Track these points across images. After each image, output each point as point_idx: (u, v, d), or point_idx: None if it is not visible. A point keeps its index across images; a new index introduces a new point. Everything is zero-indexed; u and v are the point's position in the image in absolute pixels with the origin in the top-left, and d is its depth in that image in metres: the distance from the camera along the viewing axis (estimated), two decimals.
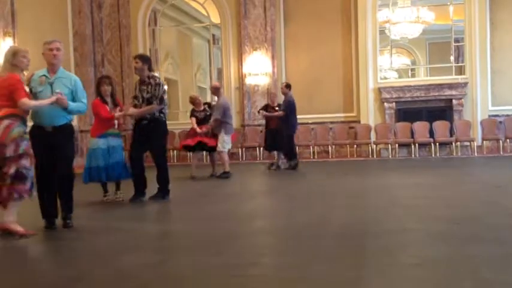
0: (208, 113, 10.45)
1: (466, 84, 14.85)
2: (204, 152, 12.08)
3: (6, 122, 5.01)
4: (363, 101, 15.29)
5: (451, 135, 14.59)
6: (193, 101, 10.72)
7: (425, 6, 15.52)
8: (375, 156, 14.75)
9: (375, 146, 14.83)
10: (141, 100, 7.27)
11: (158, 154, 7.42)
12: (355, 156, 14.80)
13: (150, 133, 7.24)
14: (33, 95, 5.30)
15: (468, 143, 14.56)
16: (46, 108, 5.22)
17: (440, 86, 15.04)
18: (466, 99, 14.92)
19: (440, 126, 14.66)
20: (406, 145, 14.75)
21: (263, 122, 12.66)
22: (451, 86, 14.98)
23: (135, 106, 7.35)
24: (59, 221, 5.46)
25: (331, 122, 15.39)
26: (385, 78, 16.12)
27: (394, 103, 15.29)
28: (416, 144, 14.51)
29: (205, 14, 16.70)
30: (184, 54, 19.30)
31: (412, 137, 14.65)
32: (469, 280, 3.33)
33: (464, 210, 5.93)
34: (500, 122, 14.55)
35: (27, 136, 5.21)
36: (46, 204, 5.39)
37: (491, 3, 14.82)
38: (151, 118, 7.23)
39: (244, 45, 15.53)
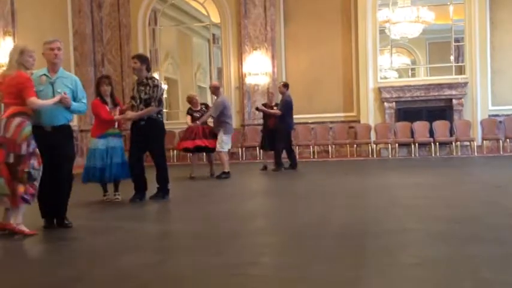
0: (203, 113, 10.38)
1: (466, 84, 14.85)
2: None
3: (17, 120, 5.03)
4: (363, 100, 15.29)
5: (451, 135, 14.59)
6: (190, 100, 10.70)
7: (425, 6, 15.52)
8: (374, 156, 14.75)
9: (374, 145, 14.83)
10: (138, 101, 7.25)
11: (157, 154, 7.42)
12: (355, 156, 14.80)
13: (148, 134, 7.23)
14: None
15: (468, 143, 14.56)
16: (46, 108, 5.23)
17: (440, 86, 15.04)
18: (466, 99, 14.93)
19: (440, 126, 14.66)
20: (406, 145, 14.75)
21: (262, 121, 12.60)
22: (451, 86, 14.98)
23: (132, 106, 7.34)
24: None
25: (331, 122, 15.39)
26: (385, 78, 16.12)
27: (394, 103, 15.30)
28: (416, 144, 14.51)
29: (205, 13, 16.70)
30: (184, 53, 19.30)
31: (412, 136, 14.65)
32: (469, 280, 3.33)
33: (464, 210, 5.93)
34: (500, 122, 14.55)
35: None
36: (45, 204, 5.39)
37: (491, 2, 14.83)
38: (148, 119, 7.22)
39: (244, 45, 15.53)
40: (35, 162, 5.09)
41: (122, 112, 7.42)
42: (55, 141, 5.29)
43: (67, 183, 5.44)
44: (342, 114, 15.54)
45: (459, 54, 15.48)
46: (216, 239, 4.81)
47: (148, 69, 7.41)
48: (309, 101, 15.16)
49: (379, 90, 15.22)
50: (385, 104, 15.27)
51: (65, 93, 5.27)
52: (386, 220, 5.53)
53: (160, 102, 7.28)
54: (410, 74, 17.16)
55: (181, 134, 12.29)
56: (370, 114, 15.25)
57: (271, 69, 15.36)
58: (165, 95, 17.51)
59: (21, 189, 5.02)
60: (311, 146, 15.17)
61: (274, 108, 11.55)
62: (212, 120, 10.45)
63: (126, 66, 15.70)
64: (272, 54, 15.45)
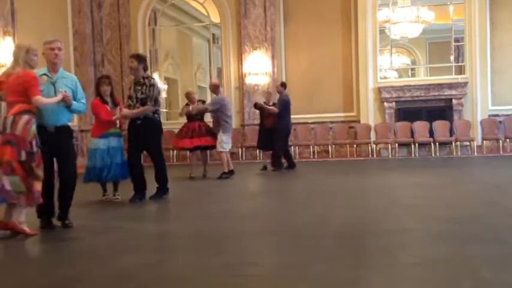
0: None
1: (466, 84, 14.85)
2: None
3: (25, 117, 5.04)
4: (363, 100, 15.29)
5: (451, 135, 14.60)
6: (188, 96, 10.61)
7: (425, 5, 15.53)
8: (374, 156, 14.76)
9: (374, 145, 14.84)
10: (135, 100, 7.25)
11: (155, 153, 7.43)
12: (355, 156, 14.80)
13: (144, 133, 7.22)
14: None
15: (468, 143, 14.56)
16: (49, 108, 5.24)
17: (440, 86, 15.05)
18: (466, 99, 14.93)
19: (440, 126, 14.67)
20: (406, 145, 14.75)
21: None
22: (451, 86, 14.98)
23: (129, 106, 7.33)
24: (55, 220, 5.46)
25: (331, 122, 15.40)
26: (385, 77, 16.13)
27: (394, 103, 15.30)
28: (416, 144, 14.51)
29: (205, 13, 16.71)
30: (184, 53, 19.30)
31: (412, 136, 14.65)
32: (469, 280, 3.33)
33: (464, 210, 5.93)
34: (500, 122, 14.55)
35: None
36: (44, 204, 5.39)
37: (491, 2, 14.83)
38: (145, 118, 7.21)
39: (244, 45, 15.53)
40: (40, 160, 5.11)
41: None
42: (58, 142, 5.31)
43: (72, 183, 5.47)
44: (342, 114, 15.54)
45: (459, 54, 15.48)
46: (216, 239, 4.81)
47: (146, 69, 7.40)
48: (308, 101, 15.16)
49: (379, 90, 15.22)
50: (385, 104, 15.28)
51: (66, 92, 5.30)
52: (386, 220, 5.53)
53: (156, 101, 7.27)
54: (410, 74, 17.17)
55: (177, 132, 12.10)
56: (370, 114, 15.25)
57: (271, 69, 15.36)
58: (164, 95, 17.58)
59: (38, 186, 5.04)
60: (311, 146, 15.17)
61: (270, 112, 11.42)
62: (212, 120, 10.42)
63: (126, 66, 15.67)
64: (272, 54, 15.45)
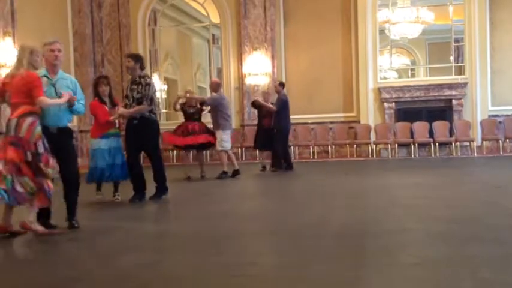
0: (197, 109, 10.11)
1: (465, 84, 14.86)
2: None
3: (29, 119, 5.03)
4: (363, 101, 15.29)
5: (451, 135, 14.59)
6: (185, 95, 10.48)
7: (425, 6, 15.53)
8: (374, 156, 14.76)
9: (374, 146, 14.84)
10: (131, 100, 7.24)
11: (152, 153, 7.42)
12: (354, 156, 14.80)
13: (141, 133, 7.20)
14: None
15: (468, 143, 14.56)
16: (51, 110, 5.25)
17: (440, 86, 15.05)
18: (466, 99, 14.93)
19: (440, 126, 14.67)
20: (406, 145, 14.75)
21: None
22: (450, 86, 14.98)
23: (125, 106, 7.33)
24: (54, 221, 5.46)
25: (331, 122, 15.40)
26: (385, 78, 16.14)
27: (393, 103, 15.30)
28: (416, 144, 14.51)
29: (205, 13, 16.70)
30: (184, 54, 19.30)
31: (412, 137, 14.65)
32: (469, 280, 3.33)
33: (464, 211, 5.93)
34: (500, 122, 14.55)
35: None
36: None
37: (491, 3, 14.83)
38: (141, 118, 7.19)
39: (244, 45, 15.53)
40: (51, 160, 5.11)
41: None
42: (59, 143, 5.30)
43: (76, 183, 5.47)
44: (342, 115, 15.54)
45: (459, 55, 15.49)
46: (216, 239, 4.81)
47: (142, 68, 7.37)
48: (308, 101, 15.16)
49: (379, 90, 15.22)
50: (385, 104, 15.28)
51: (70, 93, 5.31)
52: (386, 220, 5.53)
53: (152, 100, 7.23)
54: (410, 74, 17.19)
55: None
56: (370, 115, 15.25)
57: (271, 70, 15.36)
58: (164, 96, 17.58)
59: (48, 184, 5.05)
60: (311, 146, 15.17)
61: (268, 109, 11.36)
62: (211, 121, 10.36)
63: (125, 67, 15.70)
64: (272, 55, 15.45)
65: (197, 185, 9.61)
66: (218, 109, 10.01)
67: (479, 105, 14.85)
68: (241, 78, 15.69)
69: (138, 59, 7.39)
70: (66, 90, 5.37)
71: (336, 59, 15.53)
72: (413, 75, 16.95)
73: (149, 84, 7.24)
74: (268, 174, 11.11)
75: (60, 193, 5.41)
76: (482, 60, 14.79)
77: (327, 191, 8.21)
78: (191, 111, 10.08)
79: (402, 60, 18.11)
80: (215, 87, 10.41)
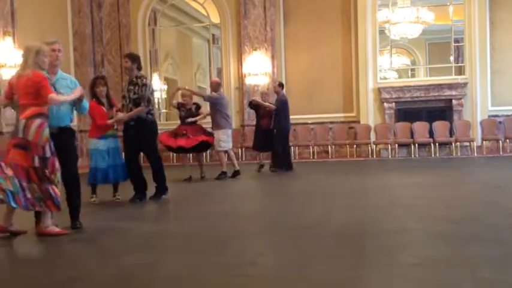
0: (190, 112, 9.93)
1: (465, 84, 14.86)
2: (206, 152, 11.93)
3: (37, 121, 4.99)
4: (363, 101, 15.29)
5: (451, 136, 14.60)
6: (183, 95, 10.42)
7: (425, 6, 15.54)
8: (374, 157, 14.76)
9: (374, 146, 14.84)
10: (128, 100, 7.23)
11: (149, 154, 7.42)
12: (354, 156, 14.81)
13: (138, 134, 7.19)
14: None
15: (468, 143, 14.56)
16: (53, 109, 5.23)
17: (440, 86, 15.05)
18: (466, 99, 14.93)
19: (440, 126, 14.67)
20: (406, 145, 14.75)
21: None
22: (450, 86, 14.99)
23: (122, 106, 7.33)
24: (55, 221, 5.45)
25: (331, 122, 15.40)
26: (385, 78, 16.14)
27: (393, 103, 15.30)
28: (416, 145, 14.52)
29: (205, 13, 16.70)
30: (184, 54, 19.30)
31: (412, 137, 14.65)
32: (469, 280, 3.33)
33: (464, 211, 5.93)
34: (500, 122, 14.56)
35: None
36: None
37: (491, 3, 14.83)
38: (138, 119, 7.17)
39: (244, 45, 15.53)
40: (56, 164, 5.10)
41: (118, 111, 7.39)
42: (60, 142, 5.26)
43: (77, 183, 5.47)
44: (342, 115, 15.54)
45: (459, 55, 15.49)
46: (216, 239, 4.81)
47: (139, 68, 7.34)
48: (308, 101, 15.16)
49: (379, 90, 15.22)
50: (385, 104, 15.28)
51: (80, 88, 5.33)
52: (386, 220, 5.53)
53: (149, 101, 7.21)
54: (410, 74, 17.19)
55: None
56: (369, 115, 15.26)
57: (271, 70, 15.36)
58: (164, 96, 17.57)
59: (56, 190, 5.03)
60: (311, 147, 15.17)
61: (268, 109, 11.33)
62: (211, 120, 10.34)
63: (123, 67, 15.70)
64: (272, 55, 15.45)
65: (197, 185, 9.61)
66: (217, 108, 10.00)
67: (479, 105, 14.86)
68: (241, 78, 15.69)
69: (135, 59, 7.35)
70: (66, 90, 5.36)
71: (336, 59, 15.54)
72: (413, 76, 16.96)
73: (145, 85, 7.21)
74: (268, 174, 11.10)
75: (62, 194, 5.41)
76: (482, 60, 14.79)
77: (327, 191, 8.21)
78: (184, 114, 9.89)
79: (402, 60, 18.11)
80: (215, 86, 10.39)
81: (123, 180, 7.42)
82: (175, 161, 14.57)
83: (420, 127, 14.73)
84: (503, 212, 5.85)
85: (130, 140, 7.25)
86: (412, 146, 14.54)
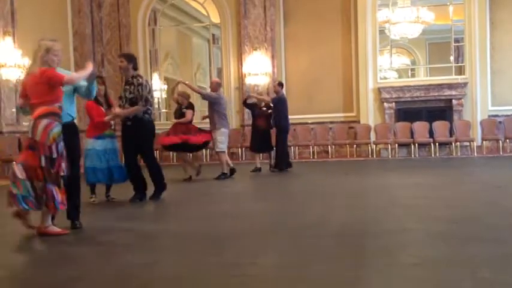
0: (181, 112, 9.94)
1: (465, 84, 14.87)
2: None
3: (44, 121, 4.96)
4: (363, 101, 15.30)
5: (451, 135, 14.60)
6: (182, 95, 10.42)
7: (425, 6, 15.55)
8: (374, 156, 14.76)
9: (374, 146, 14.85)
10: (124, 100, 7.20)
11: (146, 154, 7.40)
12: (354, 156, 14.81)
13: (134, 134, 7.16)
14: None
15: (468, 143, 14.57)
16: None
17: (440, 86, 15.06)
18: (466, 99, 14.94)
19: (440, 126, 14.68)
20: (406, 145, 14.76)
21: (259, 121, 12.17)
22: (450, 86, 15.00)
23: (119, 106, 7.31)
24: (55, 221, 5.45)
25: (331, 122, 15.41)
26: (385, 78, 16.15)
27: (393, 103, 15.31)
28: (416, 144, 14.52)
29: (205, 13, 16.71)
30: (184, 53, 19.31)
31: (412, 137, 14.66)
32: (469, 280, 3.33)
33: (464, 210, 5.93)
34: (500, 122, 14.56)
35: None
36: None
37: (491, 3, 14.85)
38: (135, 119, 7.14)
39: (244, 45, 15.54)
40: (64, 165, 5.06)
41: None
42: (64, 140, 5.22)
43: (78, 183, 5.46)
44: (342, 115, 15.55)
45: (459, 55, 15.50)
46: (215, 239, 4.81)
47: (135, 68, 7.28)
48: (308, 101, 15.17)
49: (379, 90, 15.23)
50: (385, 104, 15.29)
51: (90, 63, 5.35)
52: (386, 220, 5.53)
53: (147, 101, 7.16)
54: (410, 74, 17.19)
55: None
56: (369, 115, 15.27)
57: (271, 70, 15.37)
58: (164, 95, 17.57)
59: (59, 193, 5.02)
60: (311, 146, 15.18)
61: (263, 109, 11.30)
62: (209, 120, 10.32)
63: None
64: (272, 55, 15.46)
65: (197, 185, 9.60)
66: (215, 109, 10.01)
67: (479, 105, 14.86)
68: (241, 78, 15.69)
69: (130, 59, 7.29)
70: (66, 87, 5.34)
71: (336, 59, 15.54)
72: (413, 75, 16.96)
73: (141, 84, 7.14)
74: (268, 174, 11.10)
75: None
76: (482, 60, 14.80)
77: (327, 191, 8.21)
78: (179, 113, 9.89)
79: (402, 60, 18.12)
80: (215, 86, 10.39)
81: (123, 182, 7.39)
82: (174, 161, 14.57)
83: (420, 127, 14.73)
84: (503, 212, 5.85)
85: (128, 141, 7.23)
86: (412, 146, 14.55)
